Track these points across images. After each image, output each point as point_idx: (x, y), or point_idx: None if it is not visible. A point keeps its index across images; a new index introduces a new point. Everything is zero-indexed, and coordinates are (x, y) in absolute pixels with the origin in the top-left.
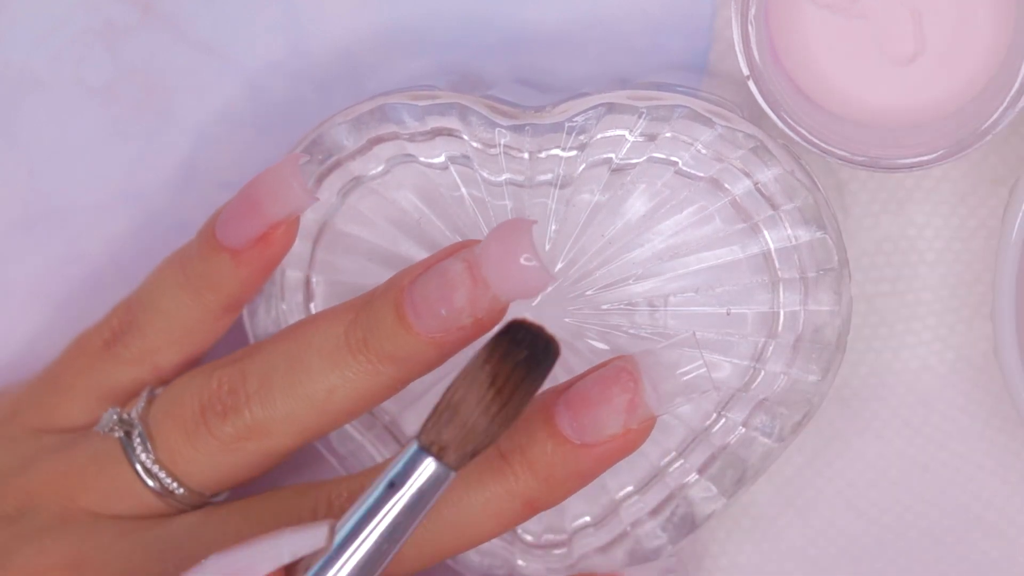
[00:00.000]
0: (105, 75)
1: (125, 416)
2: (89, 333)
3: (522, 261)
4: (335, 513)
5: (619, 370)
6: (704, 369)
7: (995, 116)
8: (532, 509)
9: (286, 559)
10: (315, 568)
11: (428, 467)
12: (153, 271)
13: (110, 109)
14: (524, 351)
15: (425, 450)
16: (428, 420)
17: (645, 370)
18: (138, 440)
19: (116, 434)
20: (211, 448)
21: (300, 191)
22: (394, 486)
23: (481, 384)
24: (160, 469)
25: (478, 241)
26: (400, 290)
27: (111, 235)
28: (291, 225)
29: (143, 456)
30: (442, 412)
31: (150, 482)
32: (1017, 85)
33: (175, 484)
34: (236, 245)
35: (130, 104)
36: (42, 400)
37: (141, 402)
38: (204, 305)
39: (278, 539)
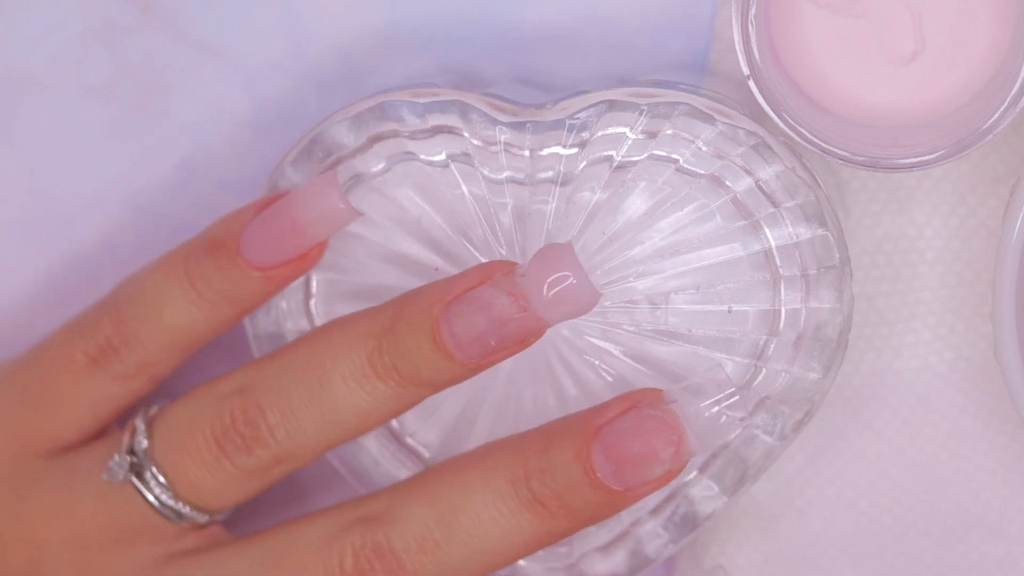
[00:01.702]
0: (104, 75)
1: (134, 460)
2: (69, 345)
3: (568, 284)
4: (354, 539)
5: (660, 423)
6: (737, 397)
7: (995, 116)
8: (563, 538)
9: None
10: None
11: None
12: (143, 284)
13: (109, 109)
14: None
15: None
16: None
17: (686, 420)
18: (153, 481)
19: (129, 478)
20: (236, 478)
21: (347, 210)
22: None
23: None
24: (183, 504)
25: (508, 263)
26: (435, 320)
27: (110, 234)
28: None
29: (163, 496)
30: None
31: (170, 516)
32: (1017, 85)
33: (197, 513)
34: (270, 264)
35: (129, 104)
36: (26, 422)
37: (142, 438)
38: (220, 318)
39: None
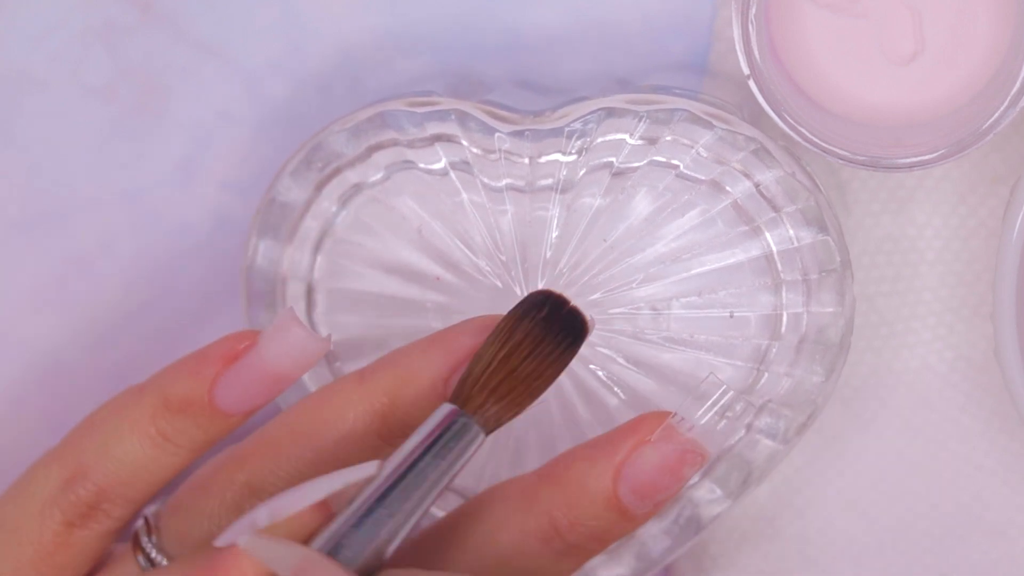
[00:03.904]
0: (104, 75)
1: None
2: (50, 519)
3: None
4: None
5: (684, 453)
6: (732, 392)
7: (996, 116)
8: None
9: (337, 485)
10: (363, 495)
11: (459, 423)
12: (109, 446)
13: (109, 109)
14: (544, 311)
15: (456, 406)
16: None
17: (704, 439)
18: None
19: None
20: None
21: (319, 344)
22: (428, 441)
23: (497, 341)
24: None
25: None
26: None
27: (110, 235)
28: None
29: None
30: (466, 369)
31: None
32: (1017, 85)
33: None
34: (251, 408)
35: (129, 104)
36: None
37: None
38: (201, 454)
39: (329, 477)
